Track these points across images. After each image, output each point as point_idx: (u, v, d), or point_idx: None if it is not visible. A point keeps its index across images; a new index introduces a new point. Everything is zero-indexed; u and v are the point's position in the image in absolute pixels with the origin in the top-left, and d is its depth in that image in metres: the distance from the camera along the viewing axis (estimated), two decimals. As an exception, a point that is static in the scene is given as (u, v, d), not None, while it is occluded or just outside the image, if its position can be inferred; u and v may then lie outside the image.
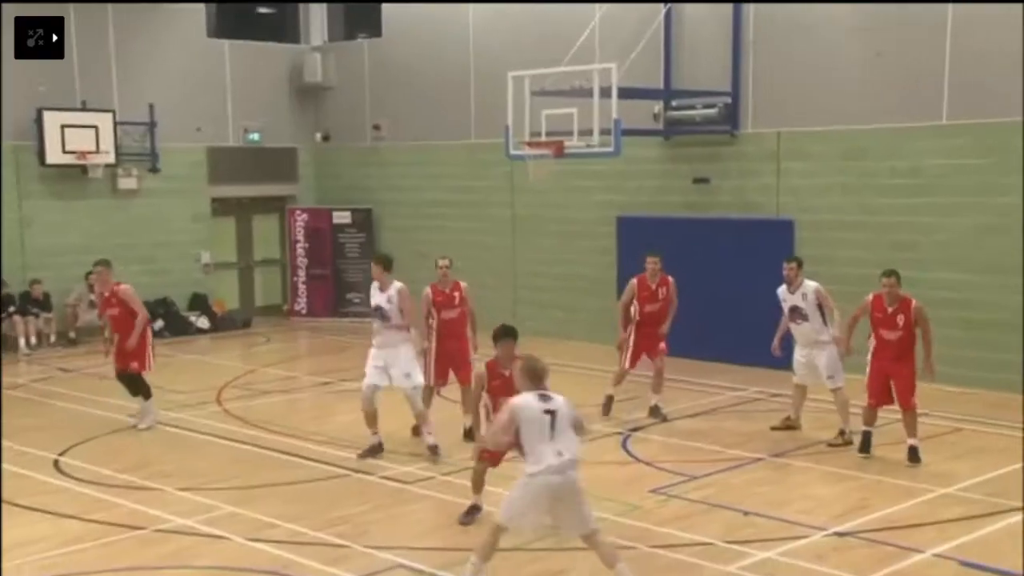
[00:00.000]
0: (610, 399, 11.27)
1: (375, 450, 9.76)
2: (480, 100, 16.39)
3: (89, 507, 8.41)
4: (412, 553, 7.27)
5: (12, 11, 12.42)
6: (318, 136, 18.97)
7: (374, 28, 18.38)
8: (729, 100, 13.88)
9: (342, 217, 18.28)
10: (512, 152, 12.76)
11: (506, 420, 6.44)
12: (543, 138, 12.10)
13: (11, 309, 15.62)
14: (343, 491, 8.85)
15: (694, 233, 14.14)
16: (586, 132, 11.76)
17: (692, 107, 14.25)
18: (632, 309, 11.17)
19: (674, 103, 14.45)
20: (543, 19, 15.55)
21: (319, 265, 18.33)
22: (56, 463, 9.70)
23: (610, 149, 11.81)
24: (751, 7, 13.81)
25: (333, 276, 18.33)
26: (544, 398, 6.43)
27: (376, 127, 18.17)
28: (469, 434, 9.79)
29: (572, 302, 15.81)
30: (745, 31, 13.82)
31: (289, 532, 7.75)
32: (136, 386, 11.08)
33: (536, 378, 6.54)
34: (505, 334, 7.88)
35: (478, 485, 7.94)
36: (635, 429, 10.69)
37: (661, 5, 14.16)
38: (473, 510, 7.93)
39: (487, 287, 16.16)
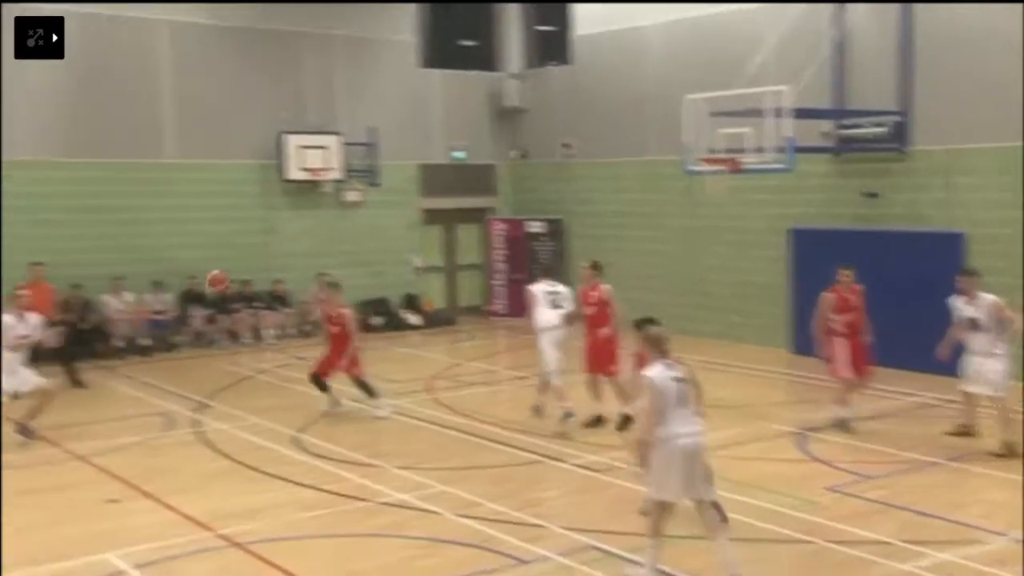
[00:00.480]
0: (843, 420, 10.26)
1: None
2: (658, 120, 16.19)
3: (322, 479, 8.78)
4: (602, 536, 7.23)
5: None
6: (514, 153, 19.18)
7: (564, 56, 18.49)
8: (899, 118, 13.34)
9: (536, 227, 18.44)
10: (689, 168, 12.71)
11: (645, 394, 6.33)
12: (719, 155, 12.02)
13: (258, 304, 16.58)
14: (540, 476, 8.93)
15: (864, 244, 13.56)
16: (759, 149, 11.64)
17: (862, 126, 13.74)
18: (829, 321, 10.44)
19: (844, 122, 13.94)
20: (718, 46, 15.33)
21: (515, 270, 18.46)
22: (295, 439, 10.17)
23: (783, 165, 11.70)
24: (918, 24, 13.14)
25: (528, 279, 18.38)
26: (670, 366, 6.38)
27: (566, 145, 18.24)
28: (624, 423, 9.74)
29: (745, 307, 15.43)
30: (915, 53, 13.26)
31: (491, 511, 7.85)
32: (361, 387, 11.25)
33: (660, 346, 6.45)
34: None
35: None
36: (812, 430, 10.26)
37: (831, 29, 13.68)
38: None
39: (663, 291, 16.28)
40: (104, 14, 15.45)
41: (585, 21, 17.84)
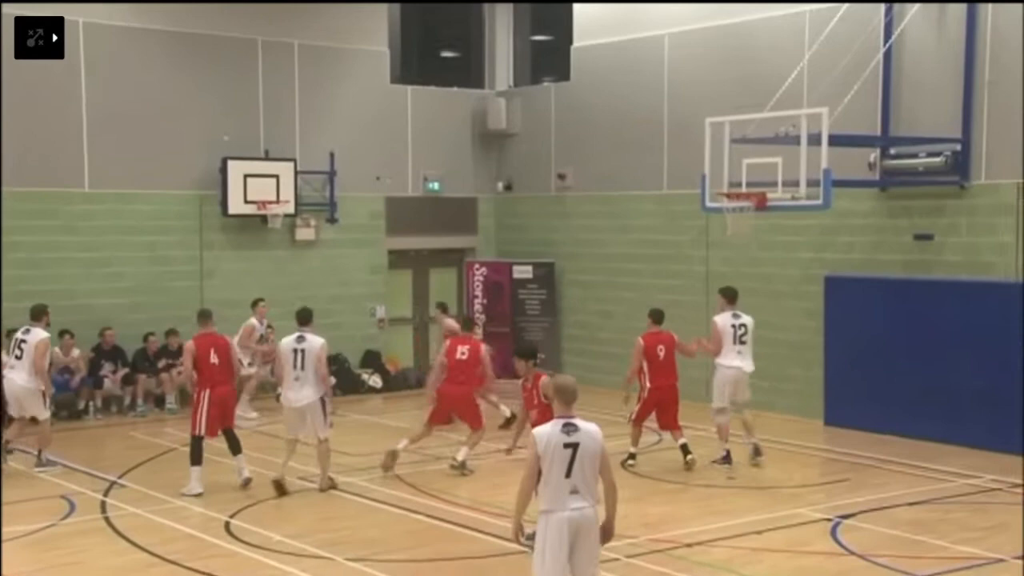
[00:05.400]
0: None
1: None
2: (674, 147, 16.43)
3: (258, 574, 8.61)
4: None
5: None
6: (500, 185, 19.35)
7: (561, 71, 18.65)
8: (958, 147, 13.39)
9: (523, 271, 18.46)
10: (708, 204, 12.75)
11: (530, 454, 6.50)
12: (743, 189, 12.03)
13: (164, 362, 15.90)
14: (523, 569, 8.62)
15: (915, 296, 13.67)
16: (792, 183, 11.65)
17: (914, 155, 13.84)
18: None
19: (892, 151, 14.05)
20: (745, 59, 15.53)
21: (497, 322, 18.49)
22: (228, 525, 9.97)
23: (818, 202, 11.60)
24: (985, 35, 13.21)
25: (512, 334, 18.41)
26: (569, 428, 6.43)
27: (561, 176, 18.36)
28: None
29: (775, 370, 14.96)
30: (980, 69, 13.28)
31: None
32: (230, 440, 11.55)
33: (564, 398, 6.53)
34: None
35: None
36: (845, 516, 10.20)
37: (879, 43, 13.82)
38: None
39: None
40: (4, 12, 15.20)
41: (587, 30, 17.96)
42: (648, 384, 12.24)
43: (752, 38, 15.53)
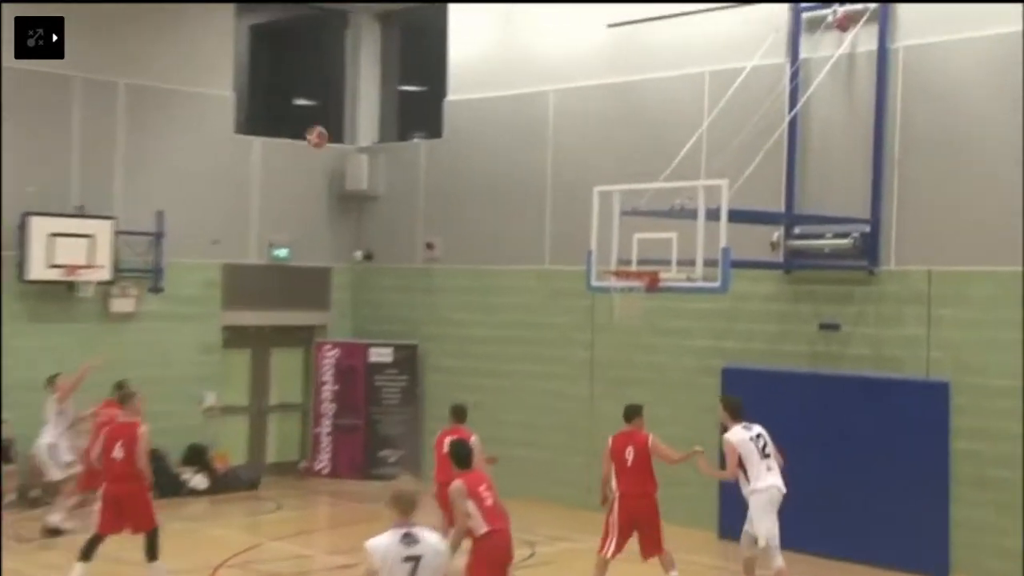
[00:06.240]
0: None
1: None
2: (558, 217, 16.36)
3: None
4: None
5: None
6: (358, 254, 18.92)
7: (433, 127, 18.47)
8: (867, 228, 13.49)
9: (381, 354, 18.06)
10: (594, 283, 12.60)
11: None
12: (634, 267, 12.00)
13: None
14: None
15: (821, 392, 13.64)
16: (687, 262, 11.61)
17: (820, 235, 13.90)
18: None
19: (797, 230, 14.12)
20: (640, 123, 15.53)
21: (350, 413, 18.05)
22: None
23: (716, 284, 11.63)
24: (899, 112, 13.44)
25: (366, 427, 18.07)
26: (409, 540, 6.54)
27: (429, 246, 18.07)
28: None
29: (665, 473, 15.02)
30: (889, 146, 13.49)
31: None
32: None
33: (402, 507, 6.66)
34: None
35: None
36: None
37: (785, 111, 13.94)
38: None
39: (551, 447, 16.12)
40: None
41: (464, 82, 17.80)
42: (617, 491, 11.53)
43: (647, 99, 15.55)
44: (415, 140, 19.00)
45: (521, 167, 16.90)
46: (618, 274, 12.07)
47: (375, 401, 18.00)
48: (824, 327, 13.87)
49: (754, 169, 12.66)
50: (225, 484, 17.21)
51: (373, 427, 18.03)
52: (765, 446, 11.43)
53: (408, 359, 18.00)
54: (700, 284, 11.63)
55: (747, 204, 12.23)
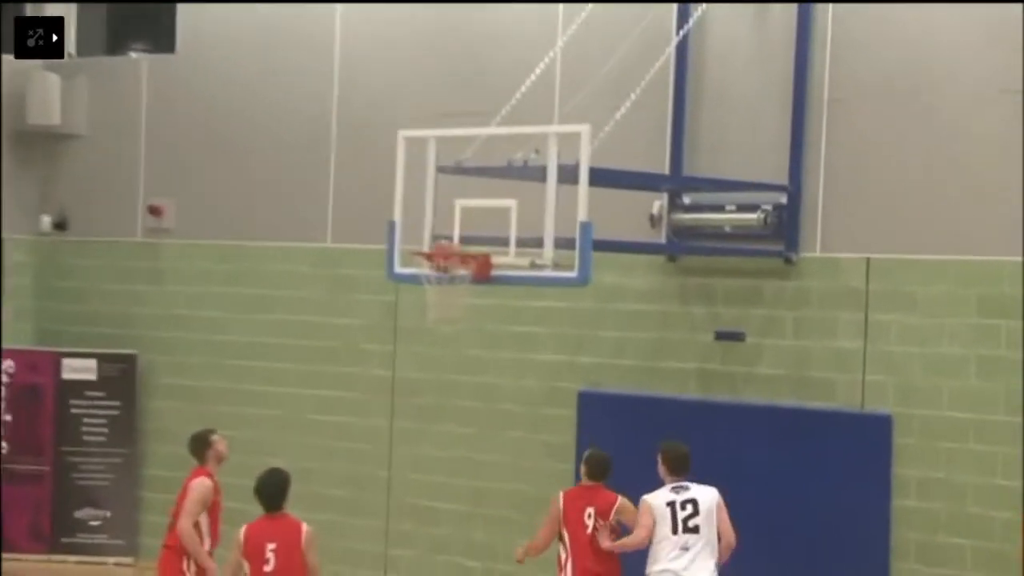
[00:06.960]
0: None
1: None
2: (345, 175, 15.68)
3: None
4: None
5: None
6: (46, 221, 18.23)
7: (162, 38, 17.31)
8: (784, 199, 13.21)
9: (80, 369, 17.24)
10: (398, 270, 12.31)
11: None
12: (456, 248, 11.79)
13: None
14: None
15: (714, 427, 13.35)
16: (532, 241, 11.26)
17: (719, 208, 13.69)
18: None
19: (687, 199, 13.75)
20: (463, 43, 15.03)
21: (28, 456, 17.12)
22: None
23: (572, 274, 11.39)
24: (827, 48, 13.24)
25: (55, 476, 17.04)
26: None
27: (154, 210, 17.35)
28: None
29: (496, 540, 14.77)
30: (816, 86, 13.24)
31: None
32: None
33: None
34: None
35: None
36: None
37: (671, 34, 13.29)
38: None
39: (343, 506, 15.91)
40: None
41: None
42: (570, 570, 11.63)
43: (476, 10, 15.15)
44: (133, 55, 17.85)
45: (292, 100, 16.12)
46: (433, 257, 11.77)
47: (70, 438, 16.97)
48: (722, 336, 13.70)
49: (627, 113, 12.23)
50: None
51: (66, 476, 17.02)
52: (690, 516, 11.36)
53: (122, 376, 17.06)
54: (549, 273, 11.35)
55: (617, 162, 12.00)
